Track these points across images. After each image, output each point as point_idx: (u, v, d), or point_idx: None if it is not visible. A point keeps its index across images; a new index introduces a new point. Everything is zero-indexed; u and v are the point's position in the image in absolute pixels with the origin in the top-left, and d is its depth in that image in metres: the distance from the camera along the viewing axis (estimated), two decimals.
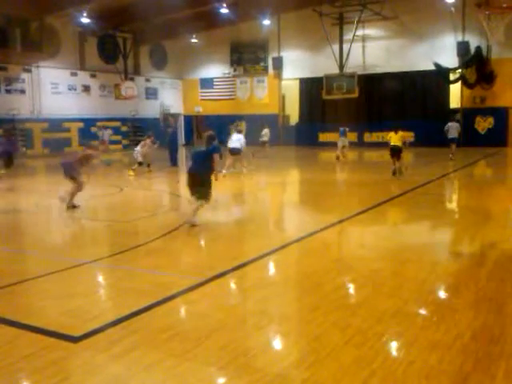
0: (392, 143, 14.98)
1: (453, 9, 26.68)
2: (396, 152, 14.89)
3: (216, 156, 8.80)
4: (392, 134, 15.13)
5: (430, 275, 5.95)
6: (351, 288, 5.75)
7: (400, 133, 15.20)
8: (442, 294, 5.53)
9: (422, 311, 4.89)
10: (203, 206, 8.77)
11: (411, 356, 3.88)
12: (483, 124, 27.70)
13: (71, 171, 10.64)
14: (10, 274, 6.17)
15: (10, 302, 5.24)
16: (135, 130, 32.91)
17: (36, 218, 10.51)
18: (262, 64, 33.44)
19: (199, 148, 9.39)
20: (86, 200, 12.61)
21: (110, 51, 30.90)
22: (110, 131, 30.92)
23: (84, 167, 10.81)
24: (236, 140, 16.80)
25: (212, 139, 9.02)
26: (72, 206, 10.47)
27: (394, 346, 4.20)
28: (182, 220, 9.19)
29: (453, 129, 20.27)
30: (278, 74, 32.71)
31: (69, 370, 3.80)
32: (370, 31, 29.71)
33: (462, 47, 27.18)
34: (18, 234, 9.01)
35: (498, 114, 27.43)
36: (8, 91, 26.26)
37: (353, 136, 27.55)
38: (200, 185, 8.75)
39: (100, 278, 6.44)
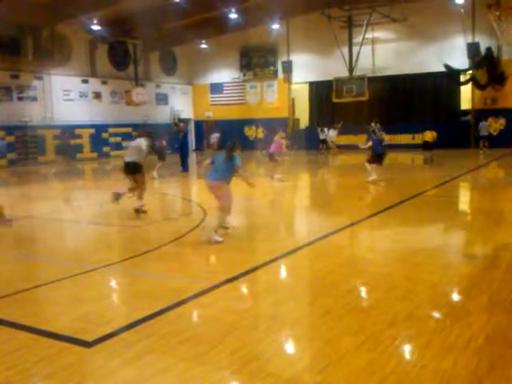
0: (425, 139, 20.86)
1: (462, 10, 26.58)
2: (428, 145, 20.77)
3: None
4: (427, 132, 20.91)
5: (442, 278, 5.91)
6: (363, 291, 5.73)
7: (431, 132, 20.88)
8: (455, 297, 5.49)
9: (435, 314, 4.86)
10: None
11: (424, 359, 3.85)
12: (495, 125, 27.52)
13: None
14: (24, 280, 6.23)
15: (24, 308, 5.28)
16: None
17: (48, 224, 10.59)
18: (271, 68, 33.50)
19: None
20: (97, 205, 12.70)
21: (120, 58, 31.15)
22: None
23: None
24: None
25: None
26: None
27: (406, 349, 4.18)
28: (193, 225, 9.24)
29: (484, 127, 25.40)
30: (288, 78, 32.73)
31: (82, 375, 3.83)
32: (379, 34, 29.68)
33: (473, 48, 27.03)
34: (30, 241, 9.08)
35: (510, 114, 27.22)
36: (20, 99, 26.54)
37: (362, 139, 27.49)
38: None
39: (112, 283, 6.47)
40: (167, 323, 4.72)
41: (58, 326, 4.71)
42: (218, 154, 8.35)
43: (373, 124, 15.98)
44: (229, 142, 8.32)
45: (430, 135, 20.84)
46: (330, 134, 27.67)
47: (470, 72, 26.87)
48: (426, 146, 20.93)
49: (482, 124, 25.80)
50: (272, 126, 22.34)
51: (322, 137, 28.10)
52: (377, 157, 14.90)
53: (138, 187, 10.57)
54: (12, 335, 4.56)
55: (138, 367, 3.87)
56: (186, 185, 17.68)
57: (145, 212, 10.49)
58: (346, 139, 28.42)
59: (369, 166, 14.90)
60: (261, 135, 32.12)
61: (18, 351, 4.20)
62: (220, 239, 7.96)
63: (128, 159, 10.68)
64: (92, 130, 29.78)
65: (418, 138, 29.26)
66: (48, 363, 3.95)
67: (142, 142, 10.84)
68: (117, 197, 10.45)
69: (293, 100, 33.54)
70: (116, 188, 10.89)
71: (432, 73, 28.07)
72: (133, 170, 10.57)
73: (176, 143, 20.63)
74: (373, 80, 29.32)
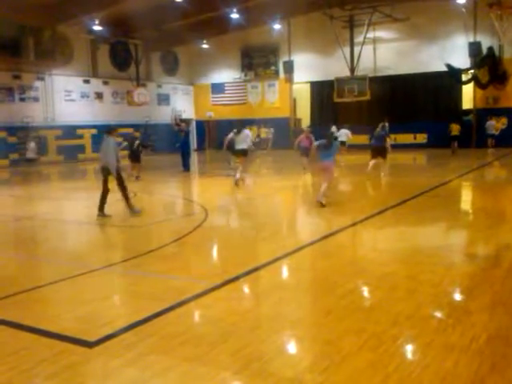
0: (453, 133, 24.48)
1: (464, 9, 26.54)
2: (456, 138, 24.39)
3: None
4: (453, 126, 24.38)
5: (444, 278, 5.90)
6: (365, 291, 5.73)
7: (457, 125, 24.49)
8: (457, 297, 5.47)
9: (437, 314, 4.85)
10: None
11: (426, 359, 3.84)
12: (497, 124, 27.46)
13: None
14: (25, 281, 6.23)
15: (26, 308, 5.28)
16: (148, 135, 33.10)
17: (50, 224, 10.60)
18: (272, 68, 33.51)
19: (380, 132, 16.55)
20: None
21: (121, 58, 31.17)
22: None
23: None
24: (344, 134, 24.06)
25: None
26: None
27: (408, 349, 4.17)
28: (195, 225, 9.25)
29: (490, 126, 26.50)
30: (289, 78, 32.74)
31: (84, 375, 3.83)
32: (380, 33, 29.66)
33: (474, 48, 27.00)
34: (32, 241, 9.09)
35: None
36: (22, 99, 26.57)
37: (365, 138, 27.48)
38: (383, 151, 16.11)
39: (114, 284, 6.46)
40: (169, 324, 4.71)
41: (59, 326, 4.71)
42: (322, 141, 11.00)
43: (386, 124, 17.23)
44: (329, 132, 12.02)
45: (456, 129, 24.12)
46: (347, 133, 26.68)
47: (472, 71, 26.82)
48: (454, 138, 24.41)
49: (490, 123, 26.50)
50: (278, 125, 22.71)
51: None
52: (371, 151, 16.33)
53: (243, 166, 14.86)
54: (14, 336, 4.56)
55: (140, 368, 3.87)
56: (187, 185, 17.68)
57: (239, 184, 14.51)
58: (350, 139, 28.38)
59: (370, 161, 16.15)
60: (264, 135, 32.31)
61: (20, 352, 4.19)
62: (324, 202, 10.69)
63: (240, 146, 14.79)
64: (94, 131, 29.79)
65: (420, 138, 29.38)
66: (50, 364, 3.95)
67: (248, 133, 15.18)
68: (236, 182, 14.31)
69: (294, 100, 33.53)
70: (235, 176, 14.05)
71: (434, 72, 28.02)
72: (243, 153, 14.87)
73: (177, 143, 20.66)
74: (374, 80, 29.29)
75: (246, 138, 14.95)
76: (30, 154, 23.30)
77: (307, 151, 17.50)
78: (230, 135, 15.11)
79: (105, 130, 11.15)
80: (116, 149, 10.35)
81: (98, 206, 10.34)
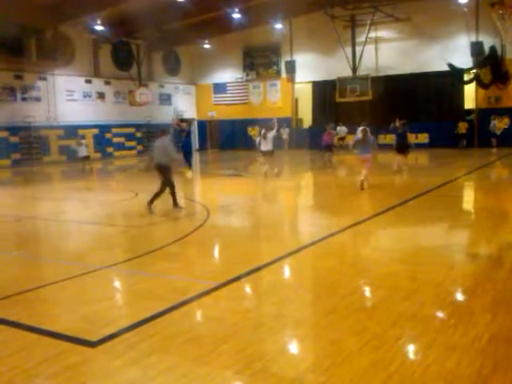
0: (461, 131, 27.60)
1: (466, 9, 26.49)
2: (463, 136, 27.55)
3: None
4: (460, 125, 27.46)
5: (446, 278, 5.89)
6: (367, 291, 5.72)
7: (464, 124, 27.47)
8: (459, 297, 5.47)
9: (439, 314, 4.84)
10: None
11: (428, 359, 3.84)
12: (499, 124, 27.42)
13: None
14: (27, 280, 6.24)
15: (27, 308, 5.29)
16: (150, 135, 33.14)
17: (51, 224, 10.61)
18: (274, 68, 33.50)
19: (400, 131, 17.25)
20: (101, 205, 12.73)
21: (123, 58, 31.19)
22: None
23: None
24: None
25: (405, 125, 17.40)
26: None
27: (410, 349, 4.17)
28: (197, 224, 9.26)
29: (494, 126, 27.16)
30: (291, 78, 32.71)
31: (86, 375, 3.83)
32: (382, 33, 29.63)
33: (476, 47, 26.96)
34: (34, 241, 9.10)
35: None
36: (24, 99, 26.61)
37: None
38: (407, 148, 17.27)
39: (116, 283, 6.48)
40: (170, 323, 4.71)
41: (61, 326, 4.72)
42: (359, 138, 13.20)
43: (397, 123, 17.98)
44: (362, 128, 13.36)
45: (463, 127, 27.10)
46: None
47: (474, 71, 26.78)
48: (462, 136, 27.42)
49: (493, 123, 26.90)
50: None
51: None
52: (396, 148, 17.43)
53: (270, 163, 16.89)
54: (16, 335, 4.57)
55: (142, 367, 3.87)
56: (189, 185, 17.67)
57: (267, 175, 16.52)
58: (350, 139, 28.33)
59: (396, 156, 17.30)
60: (285, 136, 31.81)
61: (22, 351, 4.20)
62: (365, 187, 13.09)
63: (266, 148, 16.55)
64: (96, 131, 29.82)
65: (422, 138, 29.34)
66: (52, 363, 3.95)
67: (270, 136, 16.48)
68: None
69: (296, 100, 33.50)
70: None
71: (435, 72, 27.98)
72: (271, 154, 16.62)
73: (179, 143, 20.63)
74: (376, 79, 29.26)
75: (271, 140, 16.74)
76: (83, 154, 23.41)
77: (330, 147, 20.48)
78: (261, 134, 17.05)
79: (158, 131, 11.69)
80: (173, 146, 10.88)
81: (172, 201, 10.89)
